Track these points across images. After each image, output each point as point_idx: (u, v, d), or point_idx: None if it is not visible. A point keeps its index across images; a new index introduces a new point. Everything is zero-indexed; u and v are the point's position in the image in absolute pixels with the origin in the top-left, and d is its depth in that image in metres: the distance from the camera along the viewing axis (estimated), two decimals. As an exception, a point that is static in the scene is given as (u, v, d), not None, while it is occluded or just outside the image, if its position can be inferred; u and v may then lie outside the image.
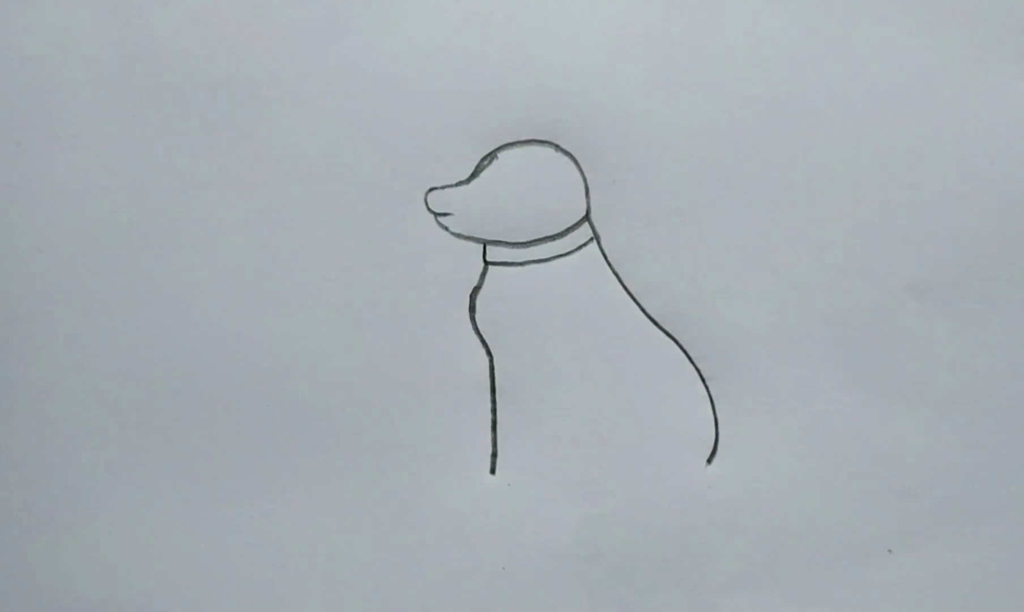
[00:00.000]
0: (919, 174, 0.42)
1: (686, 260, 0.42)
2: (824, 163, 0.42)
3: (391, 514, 0.44)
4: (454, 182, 0.43)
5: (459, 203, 0.42)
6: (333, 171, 0.43)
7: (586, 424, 0.43)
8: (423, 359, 0.43)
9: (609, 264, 0.43)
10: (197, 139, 0.43)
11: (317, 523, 0.44)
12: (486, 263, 0.43)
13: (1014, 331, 0.42)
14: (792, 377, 0.42)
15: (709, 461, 0.43)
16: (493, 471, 0.44)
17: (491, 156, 0.42)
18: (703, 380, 0.43)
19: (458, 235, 0.43)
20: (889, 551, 0.43)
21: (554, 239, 0.43)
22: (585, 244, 0.43)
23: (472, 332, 0.43)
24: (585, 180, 0.43)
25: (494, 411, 0.43)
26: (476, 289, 0.43)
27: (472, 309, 0.43)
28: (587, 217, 0.43)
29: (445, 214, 0.43)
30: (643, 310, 0.43)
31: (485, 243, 0.43)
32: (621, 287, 0.43)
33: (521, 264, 0.43)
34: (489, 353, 0.43)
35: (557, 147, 0.42)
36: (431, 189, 0.43)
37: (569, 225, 0.43)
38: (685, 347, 0.43)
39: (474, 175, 0.43)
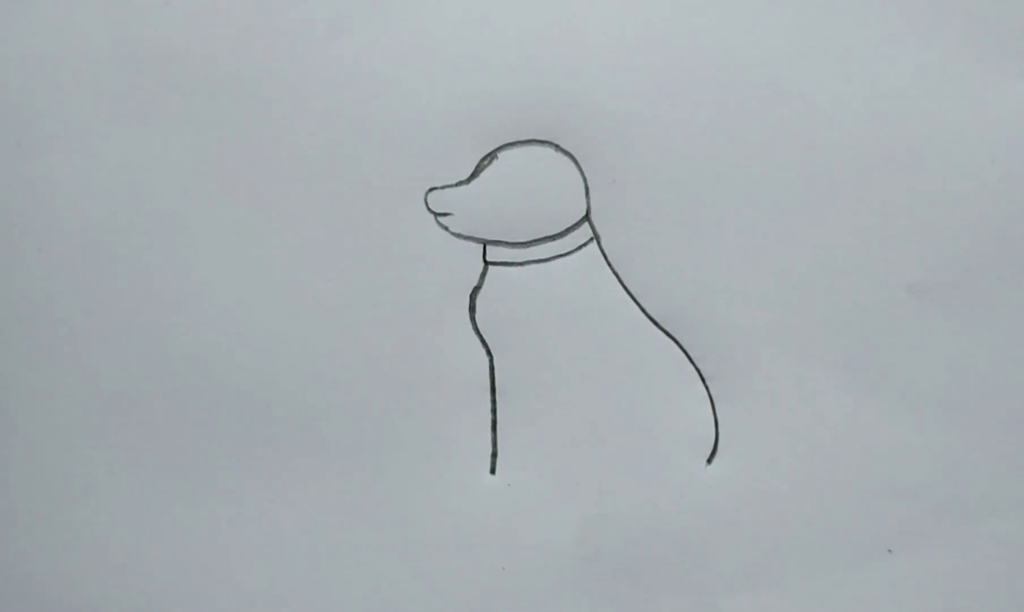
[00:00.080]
0: (919, 174, 0.42)
1: (686, 260, 0.42)
2: (824, 163, 0.42)
3: (391, 514, 0.44)
4: (454, 182, 0.43)
5: (459, 203, 0.42)
6: (333, 171, 0.43)
7: (586, 424, 0.43)
8: (423, 359, 0.43)
9: (609, 264, 0.43)
10: (197, 139, 0.43)
11: (317, 523, 0.44)
12: (486, 263, 0.43)
13: (1014, 331, 0.42)
14: (792, 377, 0.42)
15: (709, 461, 0.43)
16: (493, 471, 0.44)
17: (491, 156, 0.42)
18: (703, 380, 0.43)
19: (458, 235, 0.43)
20: (889, 551, 0.43)
21: (554, 239, 0.43)
22: (585, 244, 0.43)
23: (472, 332, 0.43)
24: (585, 180, 0.43)
25: (494, 411, 0.43)
26: (476, 289, 0.43)
27: (472, 309, 0.43)
28: (587, 217, 0.43)
29: (445, 214, 0.43)
30: (643, 310, 0.43)
31: (485, 243, 0.43)
32: (621, 287, 0.43)
33: (521, 264, 0.43)
34: (489, 353, 0.43)
35: (557, 147, 0.42)
36: (431, 189, 0.43)
37: (569, 225, 0.43)
38: (685, 347, 0.43)
39: (474, 175, 0.43)
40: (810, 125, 0.42)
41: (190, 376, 0.44)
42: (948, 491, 0.42)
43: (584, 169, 0.43)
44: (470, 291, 0.43)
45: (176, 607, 0.44)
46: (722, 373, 0.43)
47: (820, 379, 0.42)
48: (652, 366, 0.43)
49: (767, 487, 0.43)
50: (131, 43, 0.43)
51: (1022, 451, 0.42)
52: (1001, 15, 0.41)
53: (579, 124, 0.42)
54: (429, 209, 0.43)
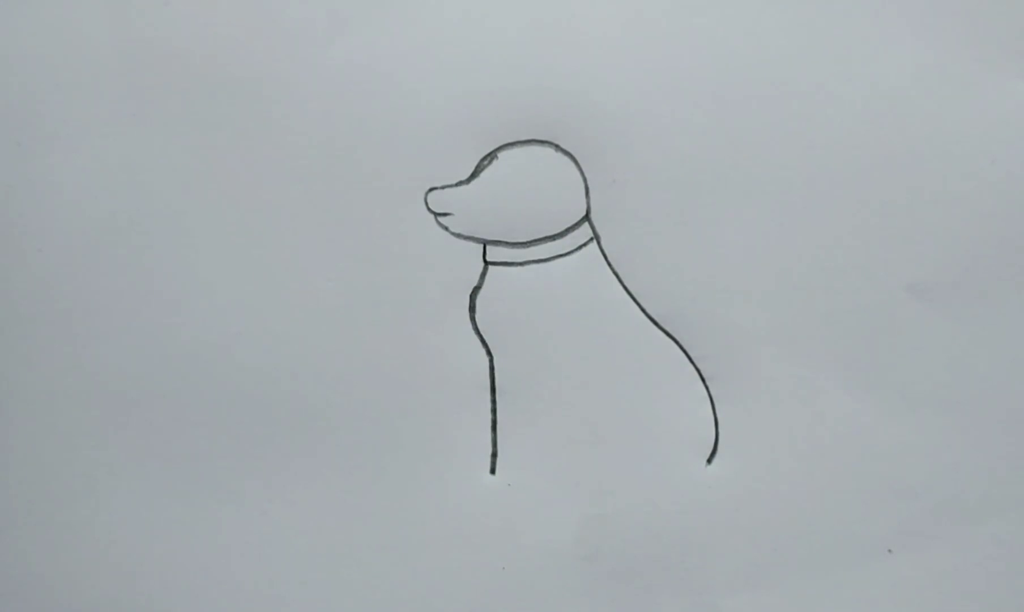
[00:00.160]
0: (919, 174, 0.42)
1: (686, 260, 0.42)
2: (824, 163, 0.42)
3: (391, 514, 0.44)
4: (454, 182, 0.43)
5: (459, 203, 0.42)
6: (333, 171, 0.43)
7: (586, 424, 0.43)
8: (423, 359, 0.43)
9: (609, 264, 0.43)
10: (197, 139, 0.43)
11: (317, 523, 0.44)
12: (486, 263, 0.43)
13: (1014, 331, 0.42)
14: (792, 377, 0.42)
15: (709, 461, 0.43)
16: (493, 471, 0.44)
17: (491, 156, 0.42)
18: (703, 380, 0.43)
19: (458, 235, 0.43)
20: (889, 551, 0.43)
21: (554, 239, 0.43)
22: (585, 244, 0.43)
23: (472, 332, 0.43)
24: (585, 180, 0.43)
25: (494, 411, 0.43)
26: (476, 289, 0.43)
27: (472, 309, 0.43)
28: (587, 217, 0.43)
29: (445, 214, 0.43)
30: (643, 310, 0.43)
31: (485, 243, 0.43)
32: (621, 287, 0.43)
33: (521, 264, 0.43)
34: (489, 353, 0.43)
35: (557, 147, 0.42)
36: (431, 189, 0.43)
37: (569, 225, 0.43)
38: (685, 347, 0.43)
39: (474, 175, 0.43)
40: (810, 125, 0.42)
41: (190, 376, 0.44)
42: (948, 491, 0.42)
43: (584, 169, 0.42)
44: (470, 291, 0.43)
45: (176, 607, 0.44)
46: (722, 373, 0.43)
47: (820, 379, 0.42)
48: (652, 366, 0.43)
49: (767, 487, 0.43)
50: (131, 43, 0.43)
51: (1022, 451, 0.42)
52: (1001, 15, 0.41)
53: (579, 124, 0.42)
54: (429, 209, 0.43)
